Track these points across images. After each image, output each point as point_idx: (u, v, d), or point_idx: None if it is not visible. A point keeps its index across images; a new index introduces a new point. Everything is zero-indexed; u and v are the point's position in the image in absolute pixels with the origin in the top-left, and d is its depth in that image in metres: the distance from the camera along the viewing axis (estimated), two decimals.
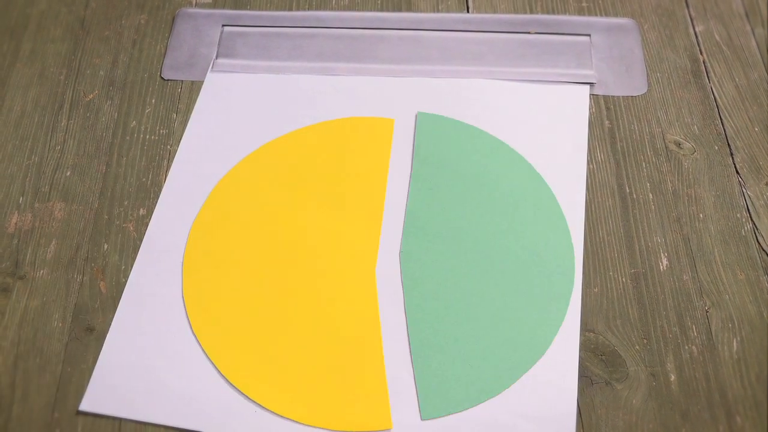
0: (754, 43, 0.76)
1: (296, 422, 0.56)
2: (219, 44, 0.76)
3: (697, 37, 0.77)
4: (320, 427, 0.55)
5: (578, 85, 0.73)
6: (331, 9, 0.79)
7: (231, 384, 0.57)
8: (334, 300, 0.61)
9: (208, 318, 0.60)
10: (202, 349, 0.59)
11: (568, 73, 0.73)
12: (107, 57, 0.76)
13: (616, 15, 0.78)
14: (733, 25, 0.77)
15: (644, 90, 0.73)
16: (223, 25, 0.78)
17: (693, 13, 0.78)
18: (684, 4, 0.79)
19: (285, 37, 0.77)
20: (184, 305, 0.61)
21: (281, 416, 0.56)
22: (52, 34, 0.77)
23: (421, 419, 0.56)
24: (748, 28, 0.77)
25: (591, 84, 0.73)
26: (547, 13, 0.78)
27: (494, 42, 0.76)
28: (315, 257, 0.63)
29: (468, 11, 0.79)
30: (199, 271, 0.63)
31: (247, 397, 0.57)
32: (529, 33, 0.76)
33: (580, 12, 0.78)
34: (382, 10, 0.79)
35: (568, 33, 0.76)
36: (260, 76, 0.74)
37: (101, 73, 0.75)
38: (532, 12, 0.78)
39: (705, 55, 0.75)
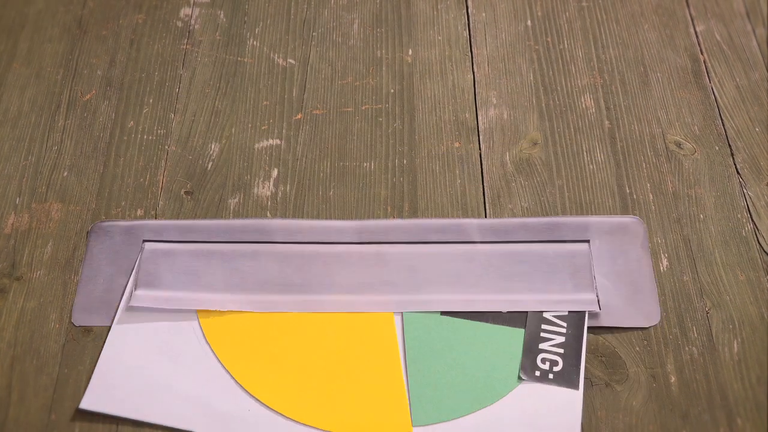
0: (754, 42, 0.76)
1: (297, 421, 0.55)
2: (138, 269, 0.62)
3: (697, 36, 0.76)
4: None
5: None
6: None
7: (235, 382, 0.56)
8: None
9: (218, 320, 0.59)
10: (215, 355, 0.58)
11: (564, 299, 0.60)
12: (105, 57, 0.75)
13: (616, 16, 0.77)
14: (733, 25, 0.77)
15: (657, 320, 0.59)
16: (144, 241, 0.63)
17: (693, 13, 0.78)
18: (684, 4, 0.79)
19: (219, 258, 0.62)
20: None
21: (294, 420, 0.55)
22: (50, 33, 0.77)
23: (413, 426, 0.55)
24: (749, 27, 0.77)
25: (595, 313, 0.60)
26: (548, 12, 0.77)
27: (475, 257, 0.62)
28: None
29: (468, 11, 0.78)
30: None
31: (250, 395, 0.56)
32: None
33: (582, 14, 0.78)
34: (380, 11, 0.78)
35: (564, 240, 0.63)
36: (185, 324, 0.59)
37: (98, 72, 0.74)
38: (532, 11, 0.78)
39: (705, 55, 0.75)
